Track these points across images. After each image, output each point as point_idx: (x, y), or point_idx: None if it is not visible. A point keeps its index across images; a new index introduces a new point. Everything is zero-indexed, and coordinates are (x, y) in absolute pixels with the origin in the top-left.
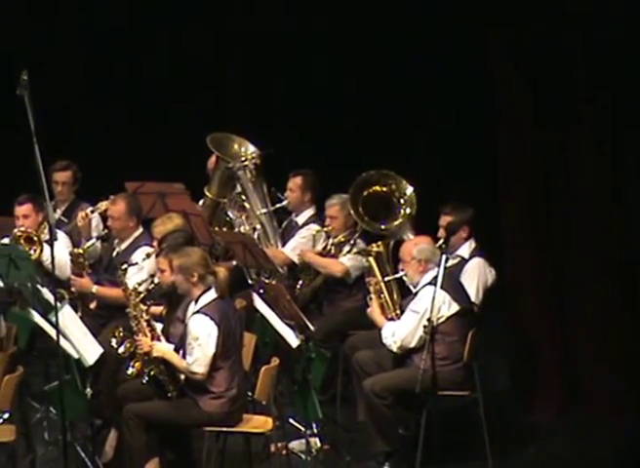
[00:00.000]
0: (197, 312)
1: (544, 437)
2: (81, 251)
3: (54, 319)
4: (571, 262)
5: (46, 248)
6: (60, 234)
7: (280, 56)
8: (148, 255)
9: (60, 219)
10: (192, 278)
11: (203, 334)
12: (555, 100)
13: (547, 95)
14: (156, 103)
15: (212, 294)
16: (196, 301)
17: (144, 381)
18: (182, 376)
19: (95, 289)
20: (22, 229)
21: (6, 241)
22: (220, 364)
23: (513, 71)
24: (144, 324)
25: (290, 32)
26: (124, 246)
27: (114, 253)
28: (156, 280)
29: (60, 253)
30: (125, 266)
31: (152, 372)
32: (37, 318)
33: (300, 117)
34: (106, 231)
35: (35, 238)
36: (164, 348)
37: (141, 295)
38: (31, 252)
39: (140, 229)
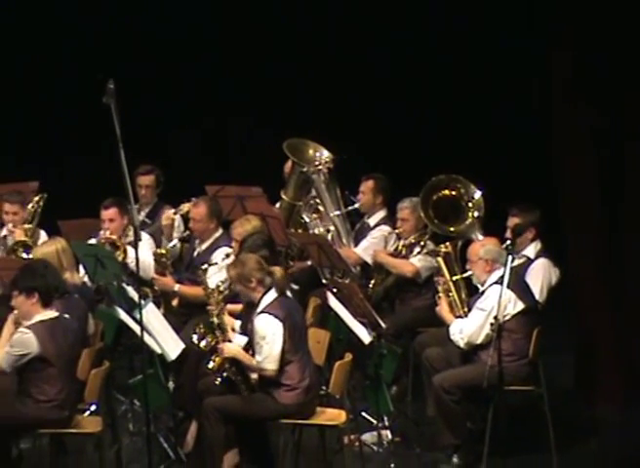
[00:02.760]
0: (261, 312)
1: (607, 431)
2: (164, 251)
3: (138, 316)
4: (632, 262)
5: (130, 250)
6: (145, 236)
7: (353, 65)
8: (228, 256)
9: (144, 221)
10: (251, 284)
11: (269, 333)
12: (616, 102)
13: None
14: (234, 109)
15: (272, 294)
16: (259, 303)
17: (218, 382)
18: (255, 376)
19: (177, 287)
20: (106, 236)
21: (93, 241)
22: (290, 358)
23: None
24: (225, 320)
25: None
26: (204, 246)
27: (195, 253)
28: None
29: (145, 255)
30: (205, 266)
31: (225, 374)
32: (122, 315)
33: (374, 123)
34: (188, 232)
35: (119, 243)
36: (234, 349)
37: (223, 294)
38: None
39: (220, 231)
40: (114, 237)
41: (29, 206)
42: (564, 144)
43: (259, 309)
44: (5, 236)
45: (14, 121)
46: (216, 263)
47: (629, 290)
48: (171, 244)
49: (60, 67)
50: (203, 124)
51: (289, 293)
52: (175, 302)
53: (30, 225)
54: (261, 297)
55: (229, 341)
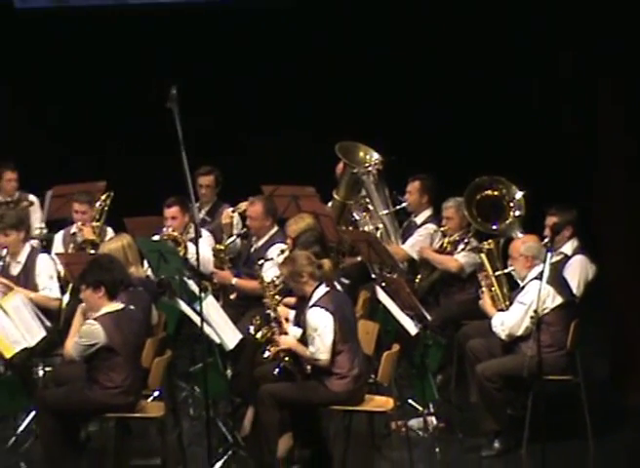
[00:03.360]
0: (313, 305)
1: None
2: (222, 247)
3: (198, 308)
4: None
5: (191, 246)
6: (205, 233)
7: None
8: (282, 252)
9: (204, 219)
10: (303, 279)
11: (321, 325)
12: None
13: None
14: (291, 115)
15: (324, 288)
16: (311, 297)
17: (276, 373)
18: (309, 367)
19: (234, 281)
20: (168, 233)
21: (156, 238)
22: (340, 348)
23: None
24: (280, 313)
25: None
26: (261, 243)
27: (252, 249)
28: None
29: (204, 250)
30: (262, 261)
31: (282, 364)
32: (184, 307)
33: (421, 126)
34: (245, 229)
35: (180, 240)
36: (290, 341)
37: (278, 288)
38: None
39: (276, 228)
40: (176, 234)
41: (97, 204)
42: (602, 147)
43: (311, 302)
44: (74, 233)
45: (82, 124)
46: (271, 259)
47: None
48: (230, 240)
49: (123, 72)
50: (254, 128)
51: (339, 288)
52: (233, 296)
53: (98, 223)
54: (313, 291)
55: (285, 333)
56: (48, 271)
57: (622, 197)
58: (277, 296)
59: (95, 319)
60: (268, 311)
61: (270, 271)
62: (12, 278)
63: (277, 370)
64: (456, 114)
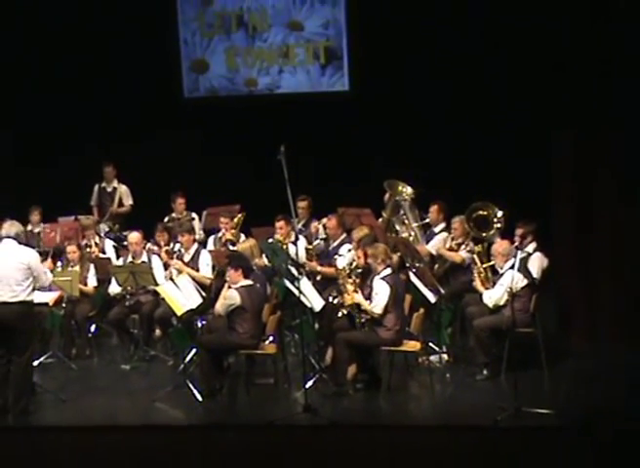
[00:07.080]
0: (380, 278)
1: (577, 356)
2: (310, 247)
3: (297, 284)
4: (597, 258)
5: (290, 246)
6: (301, 237)
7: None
8: (349, 250)
9: (301, 229)
10: (377, 260)
11: (381, 290)
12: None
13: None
14: (358, 158)
15: (388, 270)
16: (380, 273)
17: (341, 315)
18: (368, 317)
19: (319, 268)
20: (276, 239)
21: (271, 240)
22: (391, 309)
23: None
24: (349, 288)
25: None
26: (335, 243)
27: (330, 248)
28: (354, 263)
29: (300, 249)
30: (336, 256)
31: (349, 312)
32: (288, 284)
33: (437, 170)
34: (325, 236)
35: (283, 243)
36: (358, 298)
37: (348, 272)
38: None
39: (344, 234)
40: (281, 238)
41: (235, 219)
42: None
43: (379, 276)
44: (220, 237)
45: (226, 169)
46: (342, 255)
47: (593, 273)
48: (315, 242)
49: (255, 136)
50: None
51: (401, 276)
52: (318, 277)
53: (235, 230)
54: (382, 270)
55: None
56: (206, 261)
57: (568, 215)
58: (347, 278)
59: (235, 289)
60: (341, 287)
61: (342, 262)
62: (184, 263)
63: (344, 312)
64: (461, 161)
